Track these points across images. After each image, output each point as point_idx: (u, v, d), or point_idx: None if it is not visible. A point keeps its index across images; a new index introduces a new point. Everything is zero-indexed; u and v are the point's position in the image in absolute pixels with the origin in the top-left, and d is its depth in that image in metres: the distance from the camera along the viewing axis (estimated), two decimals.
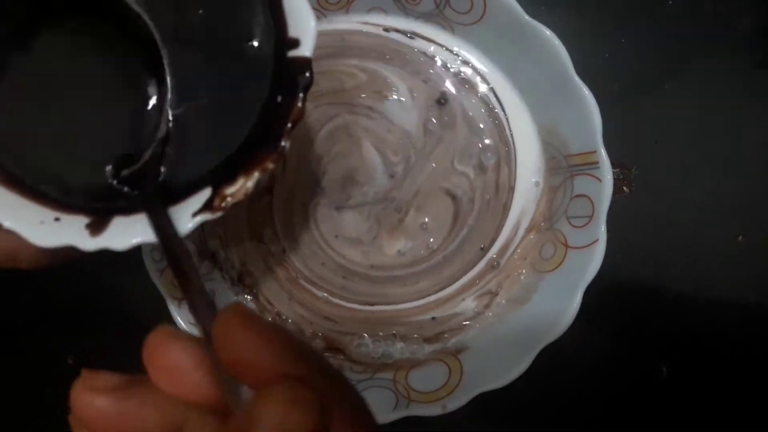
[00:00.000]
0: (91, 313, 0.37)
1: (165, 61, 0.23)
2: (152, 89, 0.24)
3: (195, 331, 0.32)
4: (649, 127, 0.38)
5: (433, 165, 0.36)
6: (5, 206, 0.21)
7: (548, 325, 0.31)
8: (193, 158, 0.23)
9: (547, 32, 0.32)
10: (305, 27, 0.22)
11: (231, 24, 0.23)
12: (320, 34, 0.34)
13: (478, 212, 0.36)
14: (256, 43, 0.23)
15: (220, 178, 0.22)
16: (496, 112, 0.36)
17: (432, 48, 0.36)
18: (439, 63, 0.36)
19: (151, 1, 0.23)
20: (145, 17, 0.23)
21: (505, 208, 0.36)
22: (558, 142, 0.35)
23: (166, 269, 0.32)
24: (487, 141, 0.36)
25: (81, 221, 0.22)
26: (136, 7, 0.23)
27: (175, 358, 0.17)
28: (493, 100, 0.36)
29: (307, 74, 0.22)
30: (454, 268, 0.36)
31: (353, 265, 0.36)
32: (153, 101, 0.24)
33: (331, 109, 0.36)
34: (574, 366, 0.37)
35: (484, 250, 0.36)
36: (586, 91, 0.32)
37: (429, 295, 0.36)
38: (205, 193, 0.22)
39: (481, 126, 0.36)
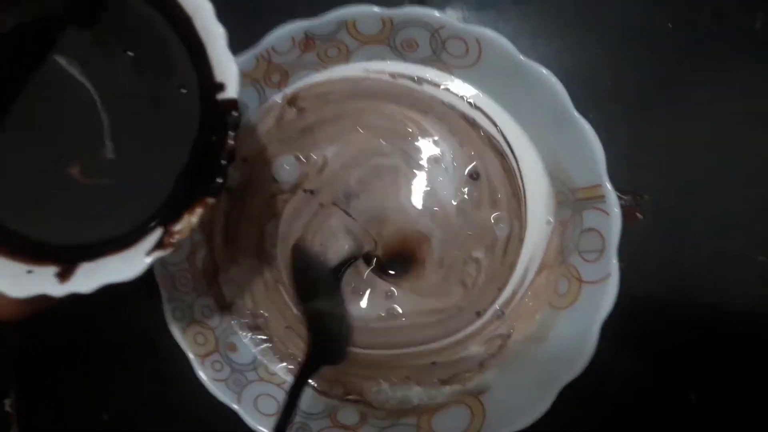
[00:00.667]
0: (122, 372, 0.38)
1: (105, 122, 0.25)
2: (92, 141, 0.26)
3: (217, 386, 0.33)
4: (658, 151, 0.38)
5: (456, 252, 0.37)
6: None
7: (567, 363, 0.31)
8: (138, 202, 0.25)
9: (543, 71, 0.32)
10: (229, 72, 0.24)
11: (161, 79, 0.25)
12: (338, 81, 0.36)
13: (481, 288, 0.37)
14: (184, 91, 0.25)
15: (166, 218, 0.24)
16: (508, 160, 0.37)
17: (445, 95, 0.37)
18: (458, 113, 0.37)
19: (92, 71, 0.25)
20: (88, 85, 0.25)
21: (512, 267, 0.36)
22: (564, 177, 0.35)
23: (188, 327, 0.33)
24: (502, 213, 0.37)
25: (51, 271, 0.24)
26: (80, 78, 0.25)
27: None
28: (503, 145, 0.37)
29: (234, 113, 0.24)
30: (449, 328, 0.36)
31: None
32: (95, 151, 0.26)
33: (387, 147, 0.37)
34: (598, 400, 0.36)
35: (480, 315, 0.36)
36: (586, 126, 0.32)
37: (429, 342, 0.36)
38: (157, 234, 0.24)
39: (499, 196, 0.37)
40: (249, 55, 0.34)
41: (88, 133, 0.26)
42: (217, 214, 0.37)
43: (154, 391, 0.38)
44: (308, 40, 0.35)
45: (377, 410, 0.35)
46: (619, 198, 0.33)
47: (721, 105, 0.38)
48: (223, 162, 0.24)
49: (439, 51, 0.35)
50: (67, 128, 0.26)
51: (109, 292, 0.38)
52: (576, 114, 0.32)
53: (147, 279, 0.34)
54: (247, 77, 0.35)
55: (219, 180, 0.23)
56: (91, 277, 0.23)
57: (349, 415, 0.34)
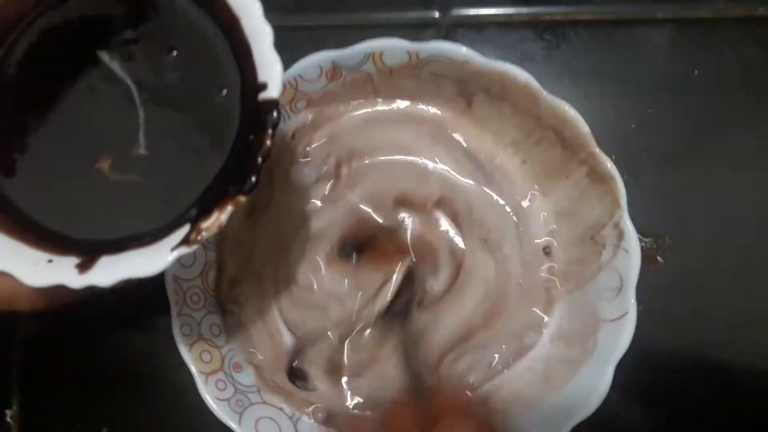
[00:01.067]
0: (123, 387, 0.38)
1: (141, 119, 0.26)
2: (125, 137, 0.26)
3: (219, 405, 0.32)
4: (681, 195, 0.38)
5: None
6: (1, 250, 0.23)
7: (579, 403, 0.30)
8: (168, 200, 0.25)
9: (566, 106, 0.33)
10: (273, 72, 0.24)
11: (203, 80, 0.26)
12: None
13: None
14: (225, 92, 0.25)
15: (196, 216, 0.24)
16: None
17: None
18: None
19: (134, 68, 0.26)
20: (128, 81, 0.26)
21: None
22: (585, 213, 0.34)
23: (194, 344, 0.33)
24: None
25: (71, 261, 0.24)
26: (120, 73, 0.26)
27: None
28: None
29: (275, 113, 0.24)
30: None
31: None
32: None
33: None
34: None
35: None
36: (608, 162, 0.32)
37: None
38: (184, 230, 0.23)
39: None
40: None
41: (122, 129, 0.26)
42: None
43: (156, 408, 0.37)
44: (335, 70, 0.36)
45: None
46: (640, 240, 0.33)
47: (747, 153, 0.38)
48: (259, 160, 0.23)
49: (463, 87, 0.35)
50: (103, 123, 0.26)
51: (119, 303, 0.38)
52: (598, 150, 0.32)
53: (157, 294, 0.34)
54: None
55: (253, 178, 0.23)
56: (112, 270, 0.23)
57: None
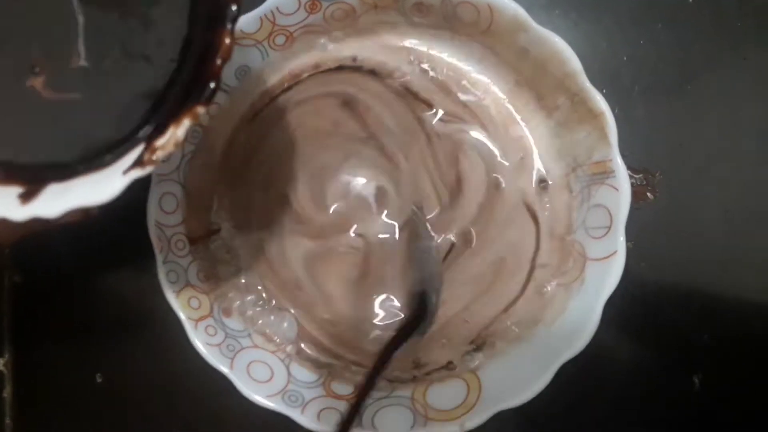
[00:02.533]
0: (115, 334, 0.38)
1: (80, 23, 0.22)
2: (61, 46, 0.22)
3: (210, 351, 0.32)
4: (673, 130, 0.37)
5: None
6: None
7: (568, 340, 0.31)
8: (117, 117, 0.22)
9: (556, 39, 0.31)
10: None
11: None
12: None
13: None
14: None
15: (150, 132, 0.21)
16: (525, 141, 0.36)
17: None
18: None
19: None
20: None
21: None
22: (575, 151, 0.34)
23: (182, 291, 0.33)
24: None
25: (14, 191, 0.21)
26: None
27: None
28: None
29: (234, 6, 0.20)
30: None
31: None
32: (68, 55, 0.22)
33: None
34: (599, 381, 0.36)
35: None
36: (598, 97, 0.31)
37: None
38: (137, 151, 0.21)
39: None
40: (253, 15, 0.33)
41: (57, 37, 0.22)
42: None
43: (147, 355, 0.37)
44: (314, 1, 0.34)
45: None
46: (630, 176, 0.33)
47: (741, 87, 0.37)
48: (218, 62, 0.20)
49: (450, 17, 0.34)
50: (32, 31, 0.22)
51: (107, 254, 0.38)
52: (588, 84, 0.31)
53: (143, 242, 0.33)
54: (250, 38, 0.34)
55: (211, 84, 0.20)
56: (59, 199, 0.20)
57: (343, 385, 0.33)
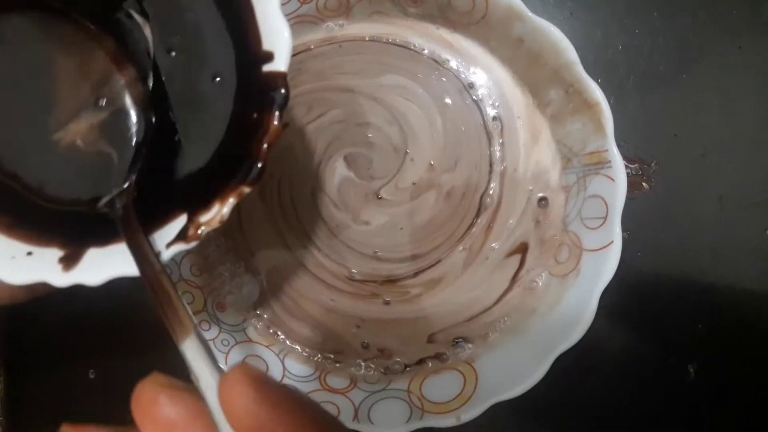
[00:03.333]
0: (108, 329, 0.38)
1: (151, 75, 0.22)
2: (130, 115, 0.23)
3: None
4: (668, 120, 0.37)
5: None
6: None
7: (564, 331, 0.30)
8: (165, 185, 0.22)
9: (552, 28, 0.31)
10: (279, 39, 0.20)
11: (203, 39, 0.22)
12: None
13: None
14: (218, 79, 0.22)
15: (194, 206, 0.21)
16: (513, 122, 0.35)
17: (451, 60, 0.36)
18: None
19: (151, 18, 0.23)
20: (145, 29, 0.23)
21: None
22: (570, 141, 0.33)
23: (176, 285, 0.32)
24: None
25: (54, 254, 0.21)
26: (138, 18, 0.23)
27: (168, 412, 0.16)
28: (501, 100, 0.35)
29: (282, 90, 0.20)
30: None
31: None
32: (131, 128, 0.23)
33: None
34: (595, 370, 0.36)
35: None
36: (593, 86, 0.31)
37: None
38: (180, 222, 0.21)
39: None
40: None
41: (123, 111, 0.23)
42: None
43: (140, 350, 0.37)
44: None
45: (369, 372, 0.34)
46: (626, 167, 0.32)
47: (736, 76, 0.37)
48: (264, 146, 0.20)
49: (444, 6, 0.33)
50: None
51: None
52: (584, 74, 0.31)
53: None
54: None
55: (259, 165, 0.20)
56: (100, 266, 0.20)
57: (338, 379, 0.33)
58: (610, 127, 0.31)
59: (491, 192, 0.35)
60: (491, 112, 0.35)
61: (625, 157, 0.31)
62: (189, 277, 0.34)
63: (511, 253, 0.35)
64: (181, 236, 0.20)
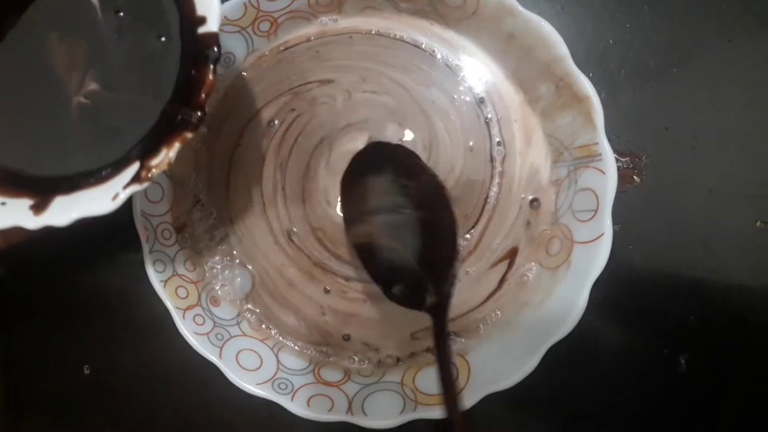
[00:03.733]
0: (102, 325, 0.38)
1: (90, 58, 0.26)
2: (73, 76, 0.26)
3: (198, 340, 0.32)
4: (659, 113, 0.37)
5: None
6: None
7: (556, 323, 0.31)
8: (117, 137, 0.25)
9: (543, 22, 0.31)
10: (210, 5, 0.24)
11: (143, 27, 0.26)
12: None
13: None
14: (164, 38, 0.26)
15: (145, 153, 0.24)
16: (495, 104, 0.35)
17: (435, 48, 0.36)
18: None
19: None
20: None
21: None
22: (561, 135, 0.34)
23: (169, 280, 0.33)
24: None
25: (25, 203, 0.24)
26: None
27: None
28: (495, 98, 0.35)
29: (215, 48, 0.24)
30: None
31: None
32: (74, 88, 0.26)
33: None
34: (587, 362, 0.36)
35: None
36: (584, 80, 0.31)
37: None
38: (134, 168, 0.24)
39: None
40: (236, 1, 0.33)
41: (73, 64, 0.26)
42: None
43: (135, 345, 0.37)
44: None
45: (362, 364, 0.34)
46: (617, 160, 0.33)
47: (726, 70, 0.37)
48: (203, 96, 0.24)
49: (435, 1, 0.34)
50: (55, 64, 0.26)
51: (92, 245, 0.37)
52: (575, 68, 0.31)
53: (129, 232, 0.33)
54: (234, 25, 0.34)
55: (198, 113, 0.24)
56: (67, 210, 0.23)
57: (332, 372, 0.33)
58: (600, 120, 0.31)
59: (492, 194, 0.35)
60: (495, 133, 0.35)
61: (616, 151, 0.32)
62: (183, 272, 0.34)
63: (498, 261, 0.35)
64: (135, 178, 0.24)
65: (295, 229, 0.35)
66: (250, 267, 0.35)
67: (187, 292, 0.33)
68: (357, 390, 0.32)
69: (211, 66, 0.24)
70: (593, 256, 0.31)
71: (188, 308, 0.33)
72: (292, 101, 0.36)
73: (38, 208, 0.24)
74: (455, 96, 0.35)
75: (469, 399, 0.30)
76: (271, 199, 0.35)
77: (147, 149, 0.24)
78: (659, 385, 0.36)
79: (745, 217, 0.36)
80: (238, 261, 0.35)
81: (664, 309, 0.36)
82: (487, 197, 0.35)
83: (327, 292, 0.35)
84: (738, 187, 0.37)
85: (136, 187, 0.23)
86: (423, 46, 0.36)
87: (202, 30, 0.24)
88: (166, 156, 0.23)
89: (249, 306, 0.35)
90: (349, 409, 0.32)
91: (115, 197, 0.23)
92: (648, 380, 0.37)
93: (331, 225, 0.35)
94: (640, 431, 0.36)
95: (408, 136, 0.35)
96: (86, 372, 0.38)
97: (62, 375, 0.39)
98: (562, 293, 0.32)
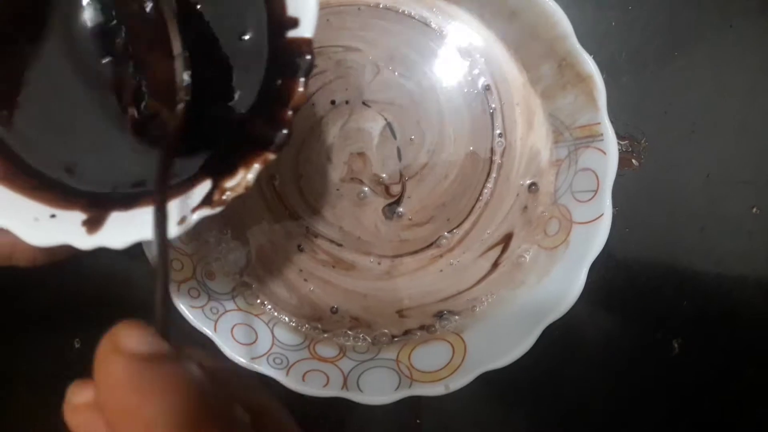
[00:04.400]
0: (93, 298, 0.37)
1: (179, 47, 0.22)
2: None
3: (193, 313, 0.32)
4: (658, 97, 0.37)
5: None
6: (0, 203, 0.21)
7: (553, 303, 0.31)
8: (191, 150, 0.22)
9: (547, 0, 0.31)
10: (305, 5, 0.20)
11: (224, 21, 0.22)
12: None
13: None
14: (248, 36, 0.22)
15: (219, 171, 0.21)
16: (500, 90, 0.35)
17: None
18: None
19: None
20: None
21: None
22: (562, 115, 0.33)
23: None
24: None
25: (77, 217, 0.21)
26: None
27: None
28: (499, 80, 0.35)
29: (308, 56, 0.20)
30: None
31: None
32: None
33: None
34: (582, 343, 0.36)
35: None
36: (588, 59, 0.31)
37: None
38: (205, 187, 0.21)
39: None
40: None
41: (159, 75, 0.22)
42: None
43: (127, 318, 0.37)
44: None
45: (358, 342, 0.34)
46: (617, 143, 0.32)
47: (727, 54, 0.37)
48: (290, 112, 0.20)
49: None
50: (116, 64, 0.23)
51: None
52: (578, 46, 0.31)
53: None
54: None
55: (284, 132, 0.20)
56: (124, 229, 0.20)
57: (327, 348, 0.33)
58: (602, 99, 0.31)
59: (485, 191, 0.35)
60: (498, 124, 0.35)
61: (615, 134, 0.31)
62: (178, 245, 0.33)
63: (490, 249, 0.35)
64: (207, 201, 0.20)
65: (276, 175, 0.35)
66: (244, 238, 0.35)
67: (182, 265, 0.33)
68: (352, 366, 0.32)
69: (302, 78, 0.20)
70: (592, 236, 0.31)
71: (183, 281, 0.32)
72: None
73: (92, 224, 0.21)
74: (466, 90, 0.35)
75: (465, 377, 0.30)
76: None
77: (221, 167, 0.21)
78: (652, 369, 0.37)
79: (741, 203, 0.37)
80: (232, 235, 0.35)
81: (658, 293, 0.37)
82: (479, 196, 0.35)
83: (301, 250, 0.35)
84: (736, 173, 0.37)
85: (207, 212, 0.20)
86: (432, 24, 0.35)
87: (292, 34, 0.20)
88: (244, 178, 0.20)
89: (244, 280, 0.35)
90: (345, 385, 0.31)
91: (182, 221, 0.20)
92: (641, 363, 0.37)
93: (319, 177, 0.35)
94: (632, 413, 0.37)
95: (419, 137, 0.35)
96: (77, 346, 0.38)
97: (53, 348, 0.38)
98: (560, 273, 0.32)
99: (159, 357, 0.15)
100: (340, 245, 0.35)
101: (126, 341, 0.15)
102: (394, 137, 0.35)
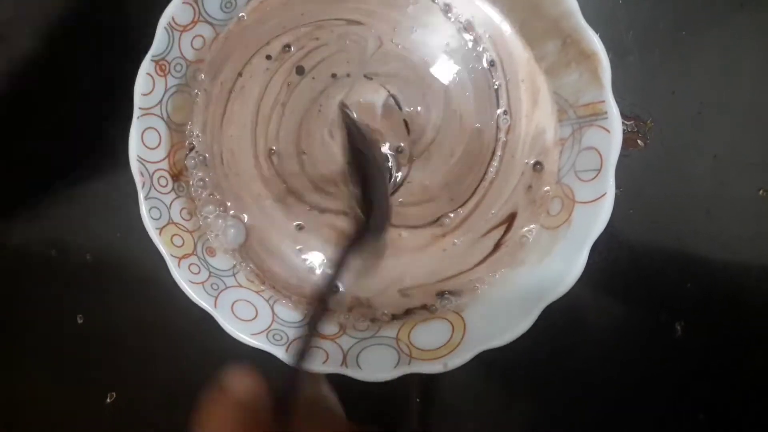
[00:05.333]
0: (96, 274, 0.38)
1: None
2: None
3: (194, 289, 0.32)
4: (666, 77, 0.36)
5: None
6: None
7: (553, 283, 0.30)
8: None
9: None
10: None
11: None
12: None
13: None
14: None
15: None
16: (505, 66, 0.35)
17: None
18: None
19: None
20: None
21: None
22: (566, 92, 0.33)
23: (164, 228, 0.32)
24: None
25: None
26: None
27: None
28: (504, 55, 0.34)
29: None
30: None
31: None
32: None
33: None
34: (584, 324, 0.36)
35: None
36: (593, 37, 0.30)
37: None
38: None
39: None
40: None
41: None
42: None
43: (129, 294, 0.37)
44: None
45: (358, 320, 0.34)
46: (622, 123, 0.32)
47: (735, 35, 0.37)
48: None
49: None
50: None
51: (87, 191, 0.37)
52: (584, 23, 0.30)
53: (123, 179, 0.32)
54: None
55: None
56: None
57: (328, 326, 0.33)
58: (607, 77, 0.30)
59: (491, 170, 0.35)
60: (503, 102, 0.35)
61: (620, 114, 0.31)
62: (179, 221, 0.33)
63: (493, 228, 0.34)
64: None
65: (274, 148, 0.35)
66: (243, 216, 0.35)
67: (183, 241, 0.33)
68: (352, 344, 0.32)
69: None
70: (594, 216, 0.30)
71: (183, 257, 0.32)
72: (315, 32, 0.34)
73: None
74: (470, 66, 0.34)
75: (464, 355, 0.30)
76: (266, 115, 0.35)
77: None
78: (655, 351, 0.36)
79: (748, 185, 0.36)
80: (232, 213, 0.35)
81: (662, 275, 0.36)
82: (484, 174, 0.34)
83: (300, 228, 0.35)
84: (743, 155, 0.36)
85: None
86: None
87: None
88: None
89: (243, 257, 0.35)
90: (344, 362, 0.31)
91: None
92: (644, 346, 0.37)
93: (321, 152, 0.35)
94: (634, 396, 0.37)
95: (425, 111, 0.34)
96: (79, 321, 0.38)
97: (55, 324, 0.39)
98: (562, 252, 0.31)
99: None
100: (332, 212, 0.35)
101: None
102: (400, 109, 0.34)
